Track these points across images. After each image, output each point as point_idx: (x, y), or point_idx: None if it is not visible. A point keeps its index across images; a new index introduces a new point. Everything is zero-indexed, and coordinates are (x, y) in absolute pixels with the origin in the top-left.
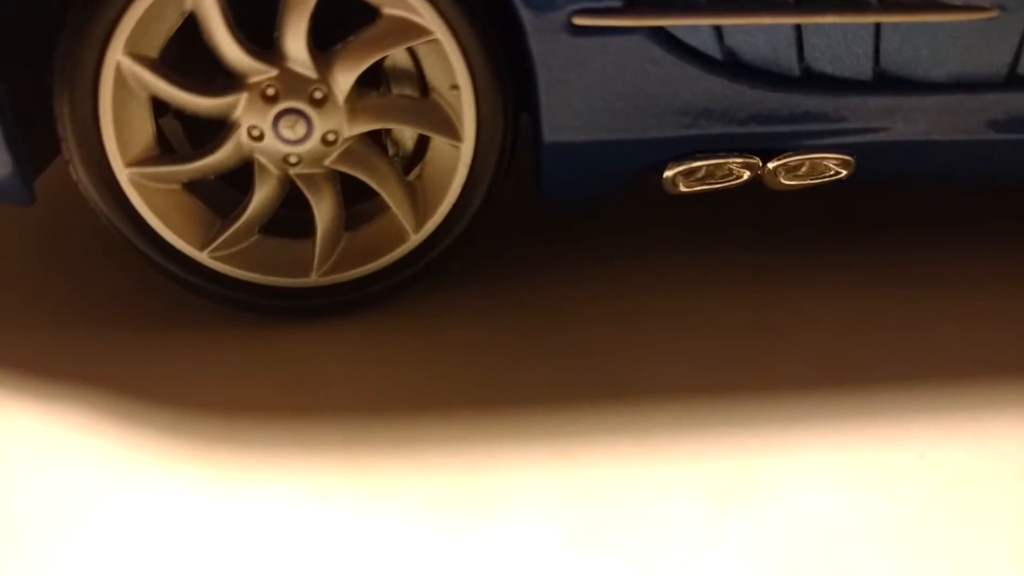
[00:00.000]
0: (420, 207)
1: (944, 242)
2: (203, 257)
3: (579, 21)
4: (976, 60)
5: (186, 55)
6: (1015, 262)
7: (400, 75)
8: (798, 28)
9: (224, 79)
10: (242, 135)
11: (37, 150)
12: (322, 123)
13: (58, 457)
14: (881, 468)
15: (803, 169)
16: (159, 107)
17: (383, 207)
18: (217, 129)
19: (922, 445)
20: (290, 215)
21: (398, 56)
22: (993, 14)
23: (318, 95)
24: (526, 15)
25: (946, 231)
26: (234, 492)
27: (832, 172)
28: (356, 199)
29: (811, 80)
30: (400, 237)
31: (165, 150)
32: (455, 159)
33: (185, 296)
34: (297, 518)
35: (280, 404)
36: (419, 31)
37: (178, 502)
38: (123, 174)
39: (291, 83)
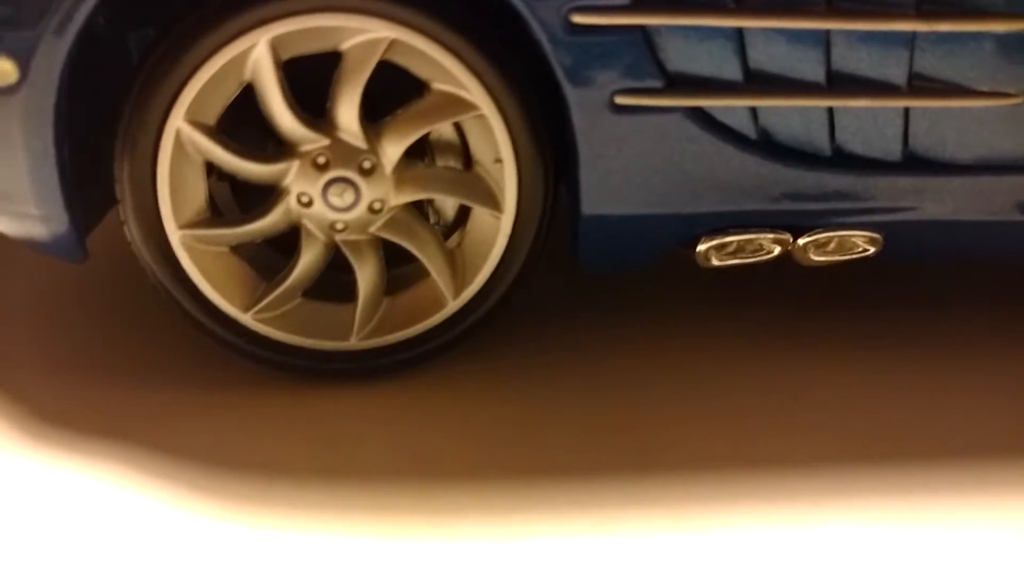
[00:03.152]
0: (459, 274)
1: (976, 317)
2: (246, 319)
3: (621, 100)
4: (1002, 144)
5: (237, 122)
6: None
7: (445, 147)
8: (830, 110)
9: (276, 147)
10: (291, 201)
11: (89, 209)
12: (370, 192)
13: (93, 511)
14: (909, 545)
15: (832, 246)
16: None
17: (422, 273)
18: (265, 194)
19: (949, 521)
20: (331, 279)
21: (443, 129)
22: (1018, 101)
23: (367, 165)
24: (571, 94)
25: (979, 306)
26: (265, 550)
27: (860, 249)
28: (393, 264)
29: (842, 160)
30: (438, 303)
31: (215, 213)
32: (495, 229)
33: (223, 356)
34: None
35: (314, 465)
36: (467, 107)
37: (211, 559)
38: (175, 235)
39: (342, 153)
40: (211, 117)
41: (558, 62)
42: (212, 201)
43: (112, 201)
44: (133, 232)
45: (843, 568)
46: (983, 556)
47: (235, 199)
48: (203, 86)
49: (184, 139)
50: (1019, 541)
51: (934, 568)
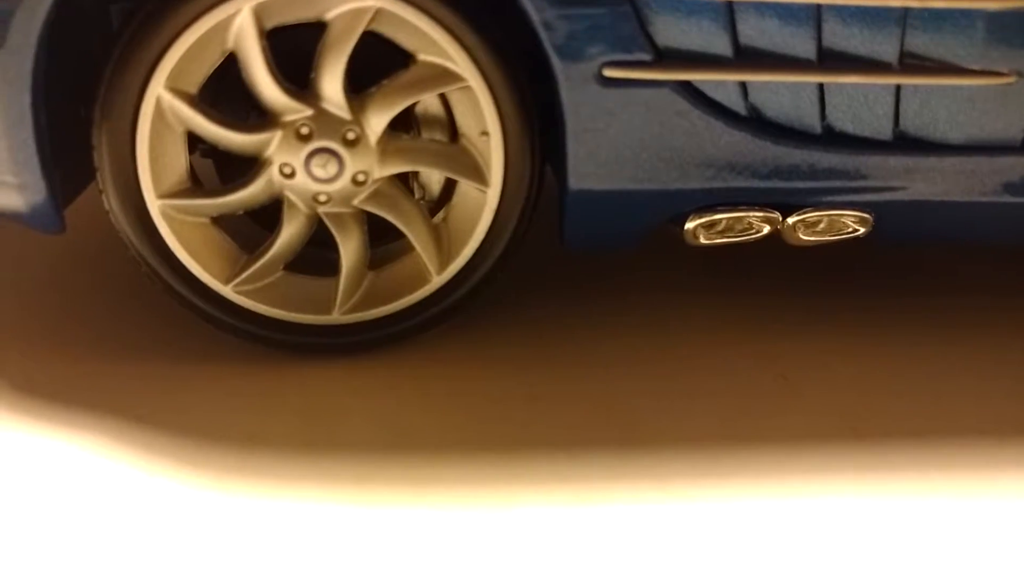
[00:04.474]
0: (444, 250)
1: (966, 298)
2: (227, 291)
3: (609, 73)
4: (993, 124)
5: (219, 92)
6: None
7: (430, 119)
8: (820, 87)
9: (257, 117)
10: (274, 172)
11: (68, 179)
12: (353, 163)
13: (75, 484)
14: (895, 521)
15: (821, 225)
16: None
17: (407, 248)
18: (248, 166)
19: (939, 499)
20: (313, 253)
21: (429, 101)
22: (1011, 80)
23: (351, 136)
24: (558, 65)
25: (970, 287)
26: (247, 524)
27: (850, 229)
28: (378, 239)
29: (832, 138)
30: (423, 278)
31: (196, 184)
32: (481, 204)
33: (205, 329)
34: (308, 552)
35: (296, 437)
36: (453, 78)
37: (193, 531)
38: (155, 205)
39: (325, 123)
40: (193, 85)
41: (546, 33)
42: (193, 172)
43: (92, 172)
44: (111, 201)
45: (829, 541)
46: (971, 532)
47: (219, 176)
48: (184, 53)
49: (165, 107)
50: (1007, 518)
51: (921, 544)
